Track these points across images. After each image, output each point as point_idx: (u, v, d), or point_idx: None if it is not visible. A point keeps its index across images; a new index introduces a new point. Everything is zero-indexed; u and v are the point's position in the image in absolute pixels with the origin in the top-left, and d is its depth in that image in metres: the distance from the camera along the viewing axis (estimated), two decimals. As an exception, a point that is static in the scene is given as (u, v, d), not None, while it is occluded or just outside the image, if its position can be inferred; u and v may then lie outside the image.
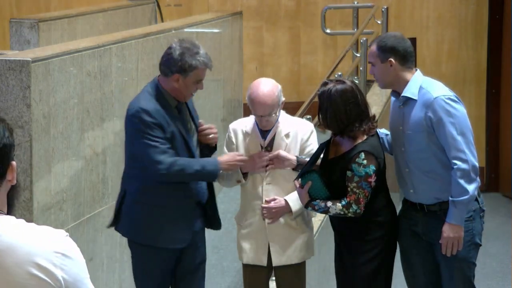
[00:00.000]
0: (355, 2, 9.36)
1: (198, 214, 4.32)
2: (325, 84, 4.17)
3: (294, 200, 4.27)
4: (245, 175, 4.35)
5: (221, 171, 4.23)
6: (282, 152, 4.27)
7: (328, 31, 9.33)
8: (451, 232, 4.07)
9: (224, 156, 4.26)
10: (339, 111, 4.08)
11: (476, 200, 4.18)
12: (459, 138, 4.04)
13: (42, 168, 4.73)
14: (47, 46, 6.41)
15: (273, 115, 4.26)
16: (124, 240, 5.61)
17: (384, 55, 4.14)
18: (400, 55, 4.15)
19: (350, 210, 4.10)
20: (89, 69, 5.23)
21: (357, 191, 4.08)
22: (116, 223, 4.35)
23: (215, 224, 4.46)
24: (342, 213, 4.10)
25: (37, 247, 2.08)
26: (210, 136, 4.34)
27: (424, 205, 4.19)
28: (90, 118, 5.25)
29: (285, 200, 4.29)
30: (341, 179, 4.12)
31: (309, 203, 4.15)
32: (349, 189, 4.09)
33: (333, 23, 9.78)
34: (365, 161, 4.07)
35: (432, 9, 10.22)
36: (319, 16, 9.45)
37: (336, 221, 4.28)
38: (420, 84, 4.15)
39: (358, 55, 8.20)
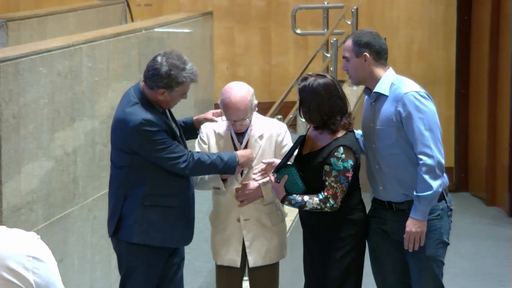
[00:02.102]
0: (326, 3, 9.40)
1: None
2: (305, 78, 4.20)
3: (269, 187, 4.27)
4: (224, 181, 4.35)
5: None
6: (277, 160, 4.27)
7: (298, 31, 9.36)
8: (413, 227, 4.11)
9: (240, 151, 4.29)
10: (322, 104, 4.11)
11: (444, 199, 4.22)
12: (426, 133, 4.09)
13: (12, 168, 4.70)
14: (16, 45, 6.36)
15: (247, 119, 4.27)
16: (95, 240, 5.60)
17: (359, 49, 4.19)
18: (375, 50, 4.21)
19: (327, 205, 4.11)
20: (59, 69, 5.20)
21: (335, 185, 4.10)
22: (117, 230, 4.29)
23: None
24: (319, 207, 4.11)
25: (9, 250, 2.07)
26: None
27: (393, 204, 4.21)
28: (61, 118, 5.22)
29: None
30: (317, 174, 4.13)
31: (285, 198, 4.15)
32: (326, 183, 4.10)
33: (304, 24, 9.80)
34: (343, 155, 4.10)
35: (402, 10, 10.30)
36: (290, 16, 9.48)
37: (308, 218, 4.28)
38: (392, 81, 4.20)
39: (328, 55, 8.24)
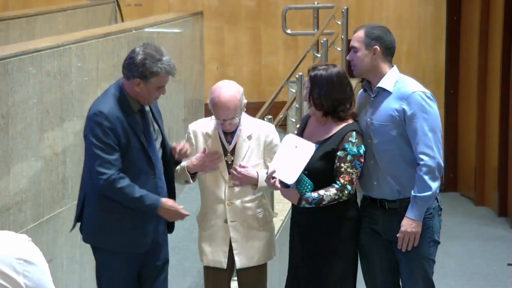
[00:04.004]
0: (316, 3, 9.41)
1: (159, 217, 4.26)
2: (314, 68, 4.23)
3: (263, 176, 4.25)
4: (193, 176, 4.33)
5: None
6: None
7: (288, 31, 9.37)
8: (409, 227, 4.12)
9: (169, 202, 4.16)
10: (335, 90, 4.15)
11: (436, 198, 4.24)
12: (429, 134, 4.11)
13: (1, 168, 4.69)
14: (5, 45, 6.34)
15: (236, 118, 4.26)
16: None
17: (370, 42, 4.21)
18: (385, 46, 4.24)
19: (345, 192, 4.10)
20: (48, 69, 5.19)
21: (351, 170, 4.10)
22: (79, 226, 4.27)
23: (170, 227, 4.40)
24: (336, 197, 4.08)
25: None
26: (188, 152, 4.27)
27: (385, 202, 4.21)
28: (50, 118, 5.21)
29: (257, 173, 4.27)
30: (325, 164, 4.09)
31: (301, 199, 4.08)
32: (342, 169, 4.09)
33: (293, 24, 9.81)
34: (357, 140, 4.12)
35: (392, 10, 10.32)
36: (279, 17, 9.48)
37: (305, 219, 4.22)
38: (397, 78, 4.22)
39: (318, 55, 8.24)
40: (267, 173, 4.18)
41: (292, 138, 4.23)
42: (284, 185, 4.10)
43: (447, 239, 7.18)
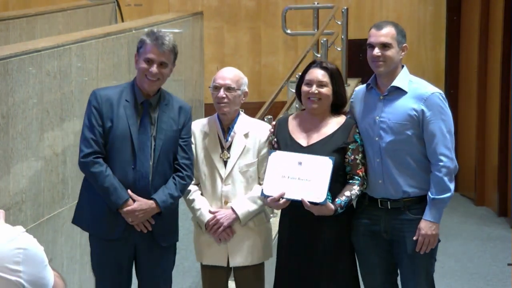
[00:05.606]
0: (316, 3, 9.40)
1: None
2: (321, 63, 4.25)
3: (239, 206, 4.26)
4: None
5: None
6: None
7: (288, 31, 9.37)
8: (428, 229, 4.10)
9: (136, 204, 4.11)
10: (343, 85, 4.27)
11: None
12: (447, 136, 4.12)
13: (1, 168, 4.69)
14: (5, 45, 6.34)
15: (231, 92, 4.26)
16: (84, 241, 5.57)
17: (402, 40, 4.22)
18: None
19: (365, 185, 4.11)
20: (48, 69, 5.19)
21: (363, 161, 4.13)
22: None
23: (158, 237, 4.27)
24: (359, 192, 4.09)
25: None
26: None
27: (388, 201, 4.19)
28: (50, 118, 5.21)
29: (232, 208, 4.28)
30: (337, 162, 4.03)
31: (335, 208, 3.99)
32: (357, 161, 4.10)
33: (293, 24, 9.81)
34: (358, 130, 4.17)
35: (392, 10, 10.32)
36: (279, 17, 9.48)
37: (318, 227, 4.12)
38: (410, 78, 4.21)
39: (318, 55, 8.24)
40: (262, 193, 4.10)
41: (285, 155, 4.09)
42: (313, 204, 3.98)
43: (447, 239, 7.19)
